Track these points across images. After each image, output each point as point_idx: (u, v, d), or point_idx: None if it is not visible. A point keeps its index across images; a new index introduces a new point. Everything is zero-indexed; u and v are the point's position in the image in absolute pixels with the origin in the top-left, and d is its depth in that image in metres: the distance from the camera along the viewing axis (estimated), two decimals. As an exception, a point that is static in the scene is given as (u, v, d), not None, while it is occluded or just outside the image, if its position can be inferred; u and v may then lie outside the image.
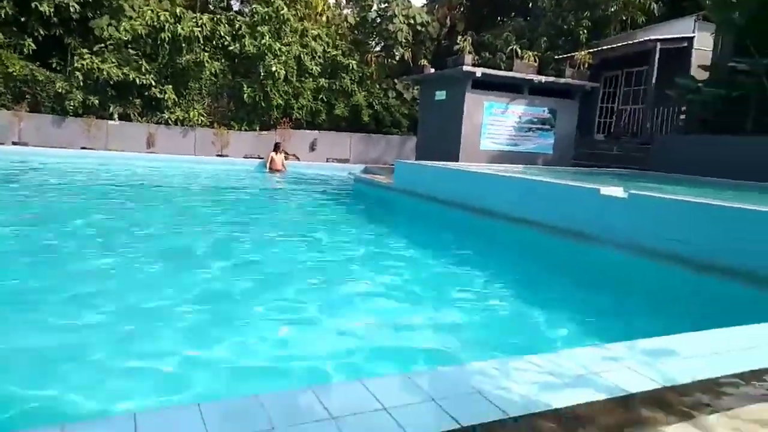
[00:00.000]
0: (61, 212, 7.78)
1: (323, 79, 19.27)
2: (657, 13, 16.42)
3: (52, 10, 15.92)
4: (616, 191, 5.73)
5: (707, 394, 2.11)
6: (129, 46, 17.05)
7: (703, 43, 13.81)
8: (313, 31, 19.18)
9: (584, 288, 5.24)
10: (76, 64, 16.16)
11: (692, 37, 14.08)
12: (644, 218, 5.30)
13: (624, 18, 17.22)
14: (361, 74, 19.88)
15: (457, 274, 5.67)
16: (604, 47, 15.56)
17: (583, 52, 13.95)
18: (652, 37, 14.15)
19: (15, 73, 15.66)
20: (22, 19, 16.09)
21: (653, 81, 14.04)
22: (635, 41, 14.58)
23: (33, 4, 15.59)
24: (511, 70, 12.76)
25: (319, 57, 19.15)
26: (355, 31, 21.04)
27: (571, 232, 6.00)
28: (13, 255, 5.22)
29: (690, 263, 4.71)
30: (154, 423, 1.75)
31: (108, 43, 16.71)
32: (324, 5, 20.31)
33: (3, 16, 15.66)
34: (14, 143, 15.50)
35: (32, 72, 16.03)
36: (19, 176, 11.48)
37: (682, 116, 13.79)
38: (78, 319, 3.64)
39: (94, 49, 16.54)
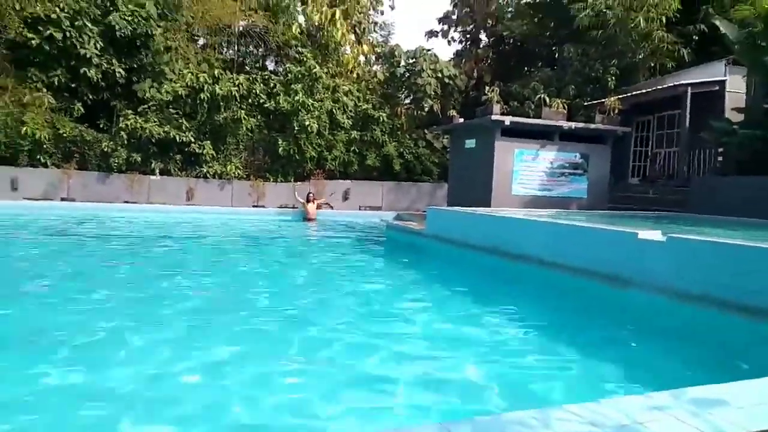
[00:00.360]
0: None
1: (355, 132, 19.77)
2: (687, 59, 16.43)
3: (100, 76, 17.00)
4: (654, 234, 5.62)
5: (761, 445, 2.01)
6: (170, 106, 17.96)
7: (736, 86, 13.70)
8: (344, 87, 19.86)
9: (624, 334, 5.08)
10: (121, 125, 17.07)
11: (724, 81, 13.99)
12: (683, 261, 5.16)
13: (653, 64, 17.28)
14: (391, 126, 20.34)
15: (491, 319, 5.58)
16: (635, 93, 15.58)
17: (612, 98, 13.99)
18: (683, 82, 14.12)
19: (65, 135, 16.62)
20: (73, 85, 17.20)
21: (687, 124, 13.92)
22: (666, 86, 14.57)
23: (82, 71, 16.68)
24: (539, 117, 12.86)
25: (351, 111, 19.74)
26: (385, 86, 21.68)
27: (609, 277, 5.87)
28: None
29: (731, 307, 4.54)
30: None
31: (150, 104, 17.65)
32: (354, 63, 21.08)
33: (56, 83, 16.80)
34: (62, 199, 16.28)
35: (81, 133, 16.98)
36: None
37: (719, 158, 13.55)
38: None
39: (138, 110, 17.49)
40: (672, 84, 14.44)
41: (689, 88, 13.80)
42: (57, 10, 16.24)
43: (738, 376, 2.71)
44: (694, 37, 17.01)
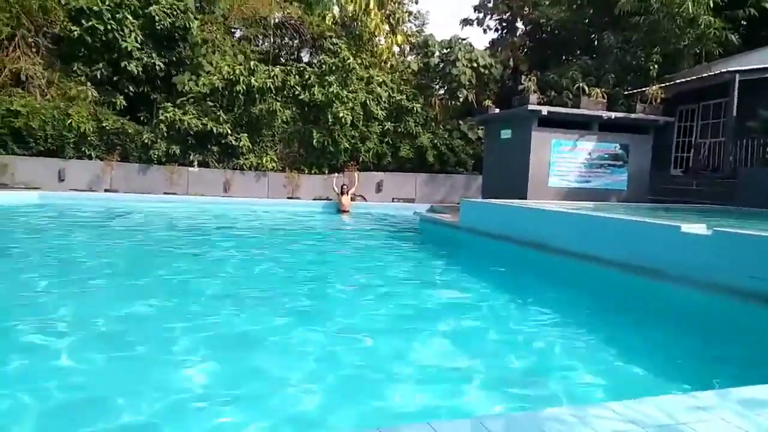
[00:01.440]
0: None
1: (389, 123, 19.72)
2: (737, 43, 15.73)
3: (140, 69, 17.44)
4: (699, 228, 5.43)
5: (814, 450, 1.92)
6: (207, 98, 18.27)
7: (788, 72, 13.05)
8: (378, 78, 19.80)
9: (667, 330, 4.94)
10: (160, 117, 17.47)
11: (774, 67, 13.36)
12: (730, 256, 4.97)
13: (698, 51, 16.61)
14: (425, 117, 20.19)
15: (526, 313, 5.51)
16: (678, 81, 15.03)
17: (654, 87, 13.52)
18: (731, 69, 13.55)
19: (108, 127, 17.14)
20: (115, 79, 17.71)
21: (734, 113, 13.37)
22: (712, 74, 14.01)
23: (123, 64, 17.15)
24: (578, 107, 12.55)
25: (385, 102, 19.68)
26: (419, 76, 21.50)
27: (651, 271, 5.71)
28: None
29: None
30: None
31: (189, 96, 18.00)
32: (389, 53, 20.97)
33: (99, 76, 17.33)
34: (106, 190, 16.81)
35: (123, 125, 17.47)
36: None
37: (768, 149, 12.98)
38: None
39: (177, 102, 17.86)
40: (718, 71, 13.87)
41: (737, 75, 13.23)
42: (99, 2, 16.72)
43: (788, 376, 2.59)
44: (742, 21, 16.26)
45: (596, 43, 20.98)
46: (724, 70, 13.71)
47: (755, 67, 13.50)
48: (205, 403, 3.15)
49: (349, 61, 18.74)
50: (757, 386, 2.49)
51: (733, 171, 13.16)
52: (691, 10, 15.28)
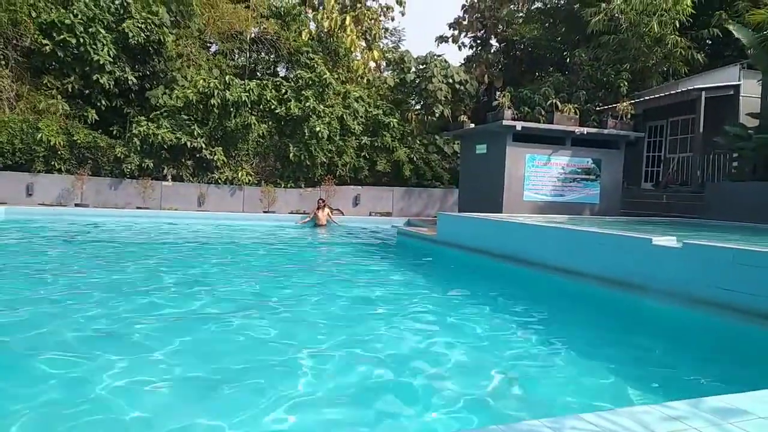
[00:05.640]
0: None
1: (365, 137, 19.80)
2: (702, 62, 16.28)
3: (112, 83, 17.21)
4: (669, 241, 5.54)
5: (785, 458, 1.95)
6: (182, 112, 18.10)
7: (751, 91, 13.54)
8: (354, 93, 19.90)
9: (637, 340, 4.99)
10: (133, 131, 17.22)
11: (738, 85, 13.85)
12: (699, 268, 5.07)
13: (666, 68, 17.14)
14: (401, 131, 20.33)
15: (502, 326, 5.52)
16: (647, 98, 15.46)
17: (625, 103, 13.87)
18: (697, 86, 13.99)
19: (79, 141, 16.81)
20: (87, 92, 17.43)
21: (700, 129, 13.78)
22: (679, 91, 14.44)
23: (95, 77, 16.89)
24: (551, 123, 12.79)
25: (361, 117, 19.76)
26: (395, 92, 21.68)
27: (622, 283, 5.79)
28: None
29: (750, 314, 4.45)
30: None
31: (162, 110, 17.81)
32: (365, 69, 21.12)
33: (70, 90, 17.04)
34: (76, 205, 16.43)
35: (95, 139, 17.16)
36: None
37: (734, 163, 13.40)
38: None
39: (150, 116, 17.64)
40: (686, 89, 14.32)
41: (703, 93, 13.67)
42: (71, 16, 16.49)
43: (757, 385, 2.64)
44: (707, 41, 16.87)
45: (568, 60, 21.47)
46: (691, 87, 14.15)
47: (720, 84, 13.99)
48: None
49: (325, 76, 18.82)
50: (729, 395, 2.52)
51: (701, 185, 13.53)
52: (656, 30, 15.79)
